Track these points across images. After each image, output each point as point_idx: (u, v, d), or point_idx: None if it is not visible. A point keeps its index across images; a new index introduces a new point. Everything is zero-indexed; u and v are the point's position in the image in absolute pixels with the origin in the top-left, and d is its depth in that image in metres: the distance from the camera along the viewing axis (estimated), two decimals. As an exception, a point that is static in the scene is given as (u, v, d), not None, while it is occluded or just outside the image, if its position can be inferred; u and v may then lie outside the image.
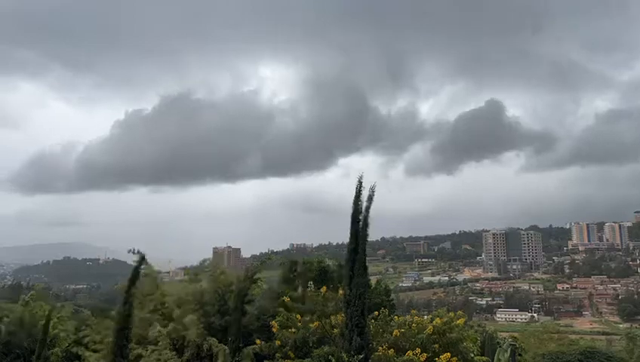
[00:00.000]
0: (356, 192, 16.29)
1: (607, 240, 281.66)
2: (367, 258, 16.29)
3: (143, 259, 19.76)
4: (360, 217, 16.24)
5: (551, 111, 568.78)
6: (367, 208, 16.18)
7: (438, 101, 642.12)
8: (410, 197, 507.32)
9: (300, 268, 28.98)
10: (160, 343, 19.05)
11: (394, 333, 17.94)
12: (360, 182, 16.26)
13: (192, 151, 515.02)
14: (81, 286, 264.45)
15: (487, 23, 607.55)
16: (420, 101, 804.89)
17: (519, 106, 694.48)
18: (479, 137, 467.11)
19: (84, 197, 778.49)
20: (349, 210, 16.32)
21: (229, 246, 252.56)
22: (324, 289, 21.12)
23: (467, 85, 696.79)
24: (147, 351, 19.14)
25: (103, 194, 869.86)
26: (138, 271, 19.31)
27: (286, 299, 21.00)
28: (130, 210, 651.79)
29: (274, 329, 19.32)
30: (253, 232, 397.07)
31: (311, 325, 18.69)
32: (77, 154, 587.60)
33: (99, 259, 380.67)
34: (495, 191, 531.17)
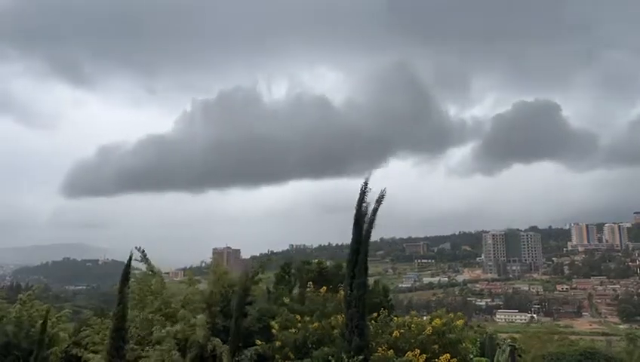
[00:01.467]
0: (360, 195, 16.07)
1: (607, 241, 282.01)
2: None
3: (131, 258, 19.82)
4: (365, 219, 16.07)
5: (593, 115, 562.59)
6: (375, 210, 15.95)
7: (483, 105, 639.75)
8: (423, 199, 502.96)
9: (295, 268, 29.00)
10: (164, 344, 18.96)
11: (393, 334, 17.89)
12: (365, 183, 16.07)
13: (238, 154, 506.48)
14: (80, 287, 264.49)
15: (535, 27, 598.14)
16: (463, 105, 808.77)
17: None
18: (522, 138, 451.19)
19: (120, 200, 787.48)
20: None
21: (229, 247, 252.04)
22: (323, 289, 21.17)
23: (513, 88, 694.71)
24: (149, 351, 19.07)
25: (140, 197, 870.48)
26: (128, 270, 19.31)
27: (285, 299, 20.96)
28: (162, 213, 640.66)
29: (274, 330, 19.30)
30: (266, 234, 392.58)
31: (311, 326, 18.66)
32: (119, 158, 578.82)
33: (98, 260, 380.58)
34: (507, 194, 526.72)
